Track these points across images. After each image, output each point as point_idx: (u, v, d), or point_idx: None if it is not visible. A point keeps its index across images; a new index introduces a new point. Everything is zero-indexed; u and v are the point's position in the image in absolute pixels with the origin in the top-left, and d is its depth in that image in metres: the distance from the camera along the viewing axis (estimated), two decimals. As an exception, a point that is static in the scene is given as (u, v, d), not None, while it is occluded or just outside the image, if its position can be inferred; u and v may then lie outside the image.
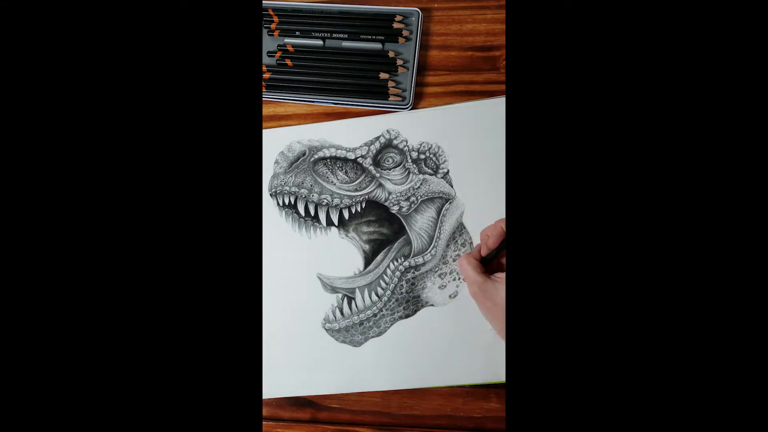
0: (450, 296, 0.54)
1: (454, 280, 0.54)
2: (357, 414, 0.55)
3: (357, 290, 0.55)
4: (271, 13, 0.60)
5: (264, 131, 0.58)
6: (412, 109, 0.58)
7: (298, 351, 0.55)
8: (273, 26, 0.60)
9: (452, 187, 0.56)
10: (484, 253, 0.50)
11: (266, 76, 0.60)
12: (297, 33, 0.60)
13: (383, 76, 0.58)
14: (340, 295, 0.55)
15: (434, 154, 0.56)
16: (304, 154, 0.57)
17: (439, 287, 0.54)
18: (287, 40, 0.60)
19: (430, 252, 0.55)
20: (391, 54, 0.58)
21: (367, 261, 0.56)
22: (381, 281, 0.55)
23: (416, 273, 0.55)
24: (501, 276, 0.48)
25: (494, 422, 0.53)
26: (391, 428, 0.54)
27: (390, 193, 0.56)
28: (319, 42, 0.60)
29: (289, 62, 0.59)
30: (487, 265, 0.50)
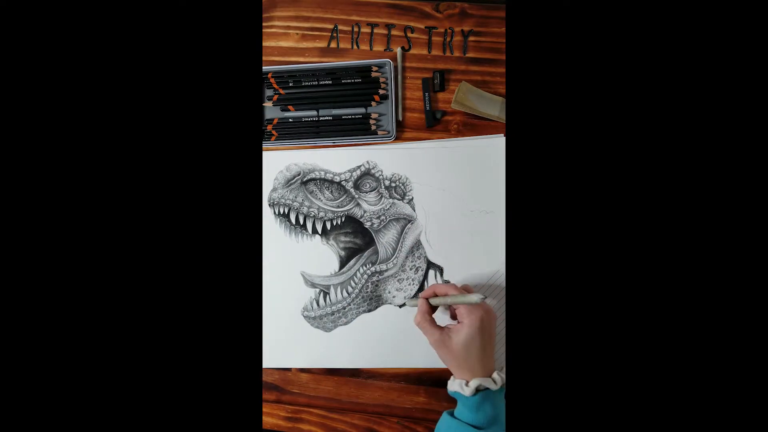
0: (405, 297, 0.68)
1: (410, 285, 0.68)
2: (313, 399, 0.68)
3: (332, 287, 0.69)
4: (271, 79, 0.71)
5: (266, 153, 0.71)
6: (395, 140, 0.70)
7: (281, 332, 0.68)
8: (275, 98, 0.72)
9: (414, 210, 0.69)
10: (428, 295, 0.59)
11: (273, 138, 0.71)
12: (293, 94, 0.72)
13: (373, 115, 0.71)
14: (317, 290, 0.69)
15: (402, 184, 0.70)
16: (298, 174, 0.71)
17: (397, 290, 0.68)
18: (287, 114, 0.72)
19: (392, 261, 0.69)
20: (373, 115, 0.72)
21: (342, 264, 0.69)
22: (351, 281, 0.69)
23: (380, 277, 0.68)
24: (453, 327, 0.57)
25: (421, 413, 0.66)
26: (339, 411, 0.67)
27: (365, 212, 0.70)
28: (314, 112, 0.72)
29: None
30: (435, 309, 0.59)
